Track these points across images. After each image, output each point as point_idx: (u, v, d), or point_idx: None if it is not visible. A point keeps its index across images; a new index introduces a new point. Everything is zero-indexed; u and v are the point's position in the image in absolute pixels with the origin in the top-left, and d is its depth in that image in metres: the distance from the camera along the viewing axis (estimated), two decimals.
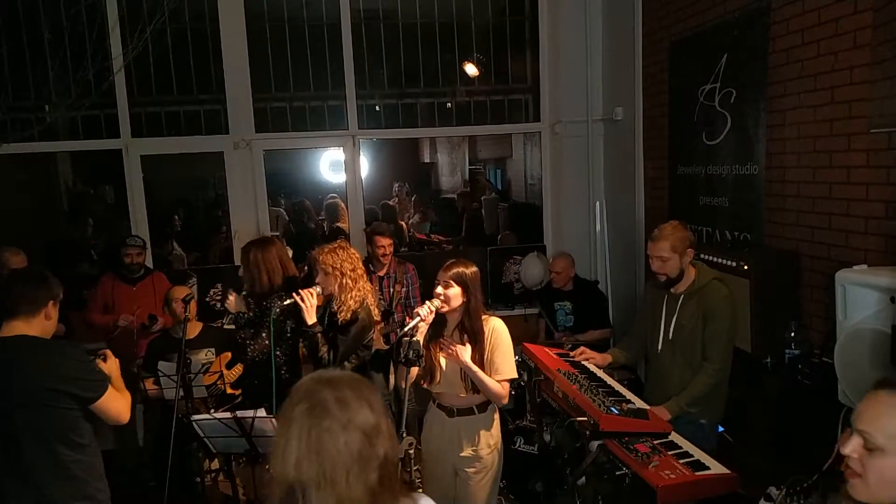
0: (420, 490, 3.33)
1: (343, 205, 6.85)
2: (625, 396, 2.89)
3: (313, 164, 9.24)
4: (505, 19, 5.71)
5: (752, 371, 3.29)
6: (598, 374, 3.16)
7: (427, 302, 2.83)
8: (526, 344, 3.43)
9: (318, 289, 3.24)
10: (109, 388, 2.50)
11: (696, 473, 2.37)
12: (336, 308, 3.26)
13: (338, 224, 6.98)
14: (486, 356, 2.84)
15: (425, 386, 2.97)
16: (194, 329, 4.03)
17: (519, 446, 3.86)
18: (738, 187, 3.80)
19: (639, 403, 2.83)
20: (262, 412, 2.89)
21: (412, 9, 5.48)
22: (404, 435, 2.51)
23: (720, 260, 3.45)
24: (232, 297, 3.53)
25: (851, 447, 1.35)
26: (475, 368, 2.78)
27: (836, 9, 3.02)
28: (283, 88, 5.41)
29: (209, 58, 5.23)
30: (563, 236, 5.62)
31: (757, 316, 3.29)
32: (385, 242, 4.52)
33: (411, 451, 2.55)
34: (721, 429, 3.21)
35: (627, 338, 3.49)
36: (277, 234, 6.43)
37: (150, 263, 5.24)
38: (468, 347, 2.81)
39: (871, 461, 1.32)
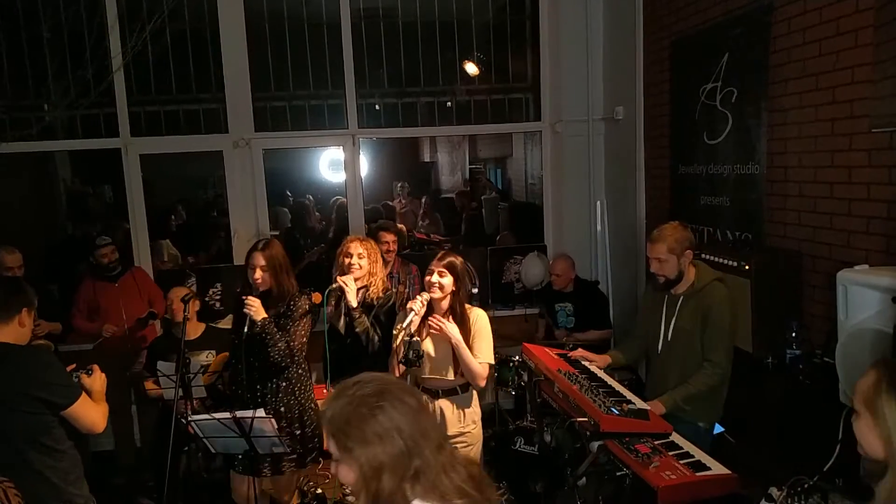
0: None
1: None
2: (625, 397, 2.88)
3: (313, 163, 9.22)
4: (505, 18, 5.69)
5: (753, 371, 3.28)
6: (599, 375, 3.15)
7: (418, 296, 2.99)
8: (526, 344, 3.42)
9: (356, 274, 3.46)
10: (83, 396, 2.49)
11: (697, 474, 2.37)
12: (368, 285, 3.53)
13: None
14: (470, 340, 3.00)
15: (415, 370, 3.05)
16: (196, 330, 4.02)
17: (519, 447, 3.85)
18: (740, 187, 3.79)
19: (639, 404, 2.82)
20: (261, 412, 2.88)
21: (412, 7, 5.47)
22: None
23: (721, 260, 3.44)
24: (256, 302, 3.17)
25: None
26: (462, 343, 2.95)
27: (837, 8, 3.00)
28: (282, 87, 5.40)
29: (208, 57, 5.22)
30: (564, 236, 5.62)
31: (758, 316, 3.28)
32: (389, 238, 4.53)
33: None
34: (722, 429, 3.20)
35: (627, 339, 3.49)
36: (277, 233, 6.41)
37: (149, 264, 5.25)
38: (455, 325, 2.97)
39: (854, 424, 1.57)
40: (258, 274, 3.19)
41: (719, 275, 3.08)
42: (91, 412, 2.51)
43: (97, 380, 2.59)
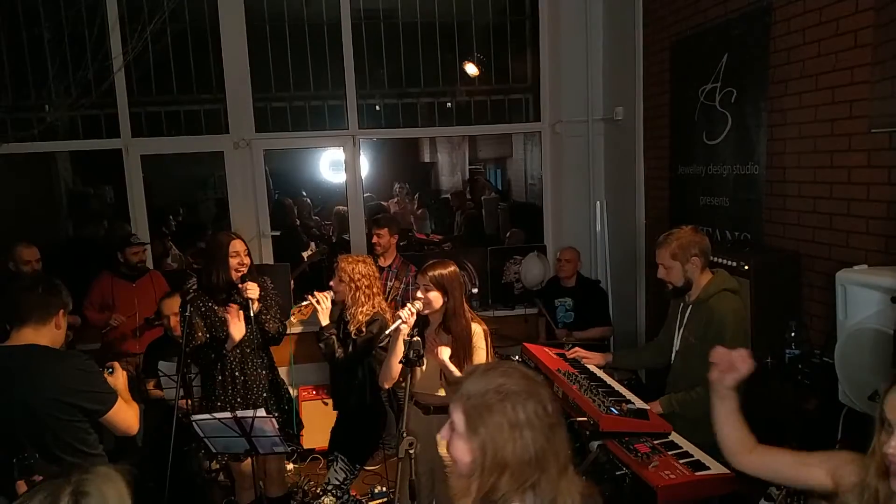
0: None
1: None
2: (625, 396, 2.88)
3: (313, 163, 9.23)
4: (505, 19, 5.70)
5: (752, 371, 3.27)
6: (598, 374, 3.15)
7: (408, 304, 2.87)
8: (526, 344, 3.42)
9: (331, 293, 3.38)
10: (119, 400, 2.45)
11: (696, 473, 2.36)
12: (348, 318, 3.42)
13: (344, 236, 6.90)
14: (470, 359, 2.88)
15: (404, 384, 2.95)
16: None
17: None
18: (739, 187, 3.79)
19: (639, 403, 2.83)
20: (261, 412, 2.89)
21: (412, 8, 5.48)
22: (405, 435, 2.51)
23: (720, 260, 3.44)
24: (255, 286, 3.32)
25: None
26: (452, 368, 2.82)
27: (836, 8, 3.01)
28: (283, 88, 5.41)
29: (209, 57, 5.23)
30: (564, 236, 5.62)
31: (757, 316, 3.27)
32: (380, 232, 4.53)
33: (412, 452, 2.55)
34: None
35: (650, 343, 3.41)
36: (278, 233, 6.39)
37: (149, 263, 5.26)
38: (448, 348, 2.85)
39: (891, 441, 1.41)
40: (245, 259, 3.34)
41: (734, 285, 2.93)
42: (126, 414, 2.47)
43: (119, 378, 2.52)
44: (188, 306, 3.29)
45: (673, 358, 3.06)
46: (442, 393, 2.94)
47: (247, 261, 3.33)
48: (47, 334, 2.41)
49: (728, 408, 1.87)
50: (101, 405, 2.39)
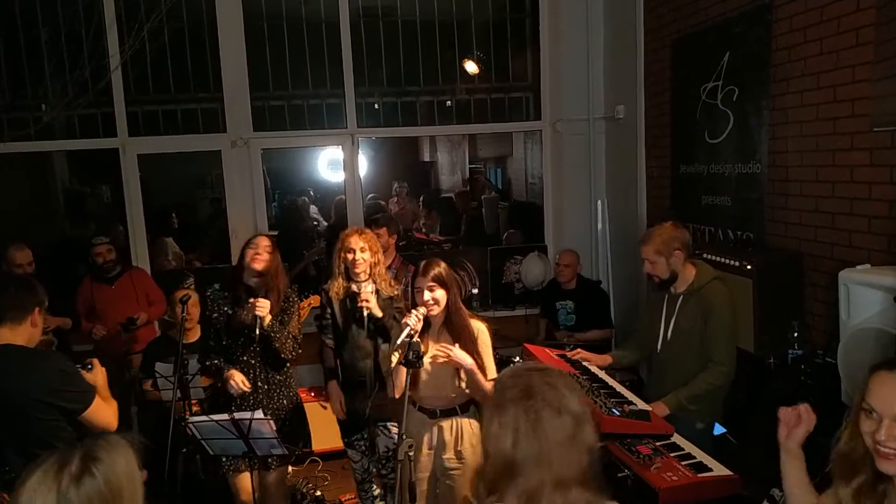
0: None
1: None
2: (626, 398, 2.87)
3: (312, 162, 9.21)
4: (505, 16, 5.68)
5: (754, 371, 3.26)
6: (600, 376, 3.14)
7: (413, 311, 2.81)
8: (526, 344, 3.41)
9: (360, 269, 3.29)
10: (96, 398, 2.44)
11: (699, 475, 2.35)
12: (377, 282, 3.35)
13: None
14: (479, 358, 2.83)
15: (409, 392, 2.84)
16: (196, 332, 3.98)
17: None
18: (741, 186, 3.77)
19: (640, 405, 2.82)
20: (259, 414, 2.87)
21: (411, 6, 5.45)
22: (404, 437, 2.49)
23: (722, 259, 3.43)
24: (266, 303, 3.14)
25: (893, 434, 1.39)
26: (475, 368, 2.78)
27: (838, 7, 2.99)
28: (281, 86, 5.38)
29: (207, 56, 5.20)
30: (565, 235, 5.60)
31: (760, 316, 3.26)
32: (379, 231, 4.49)
33: (412, 454, 2.53)
34: (723, 430, 3.19)
35: (631, 338, 3.47)
36: (276, 233, 6.38)
37: (147, 264, 5.22)
38: (458, 347, 2.80)
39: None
40: (264, 255, 3.19)
41: (718, 274, 3.07)
42: (104, 412, 2.46)
43: (98, 374, 2.51)
44: (184, 307, 3.25)
45: (660, 347, 3.12)
46: (451, 395, 2.89)
47: (263, 256, 3.18)
48: (23, 333, 2.42)
49: (800, 470, 1.80)
50: (80, 404, 2.40)
